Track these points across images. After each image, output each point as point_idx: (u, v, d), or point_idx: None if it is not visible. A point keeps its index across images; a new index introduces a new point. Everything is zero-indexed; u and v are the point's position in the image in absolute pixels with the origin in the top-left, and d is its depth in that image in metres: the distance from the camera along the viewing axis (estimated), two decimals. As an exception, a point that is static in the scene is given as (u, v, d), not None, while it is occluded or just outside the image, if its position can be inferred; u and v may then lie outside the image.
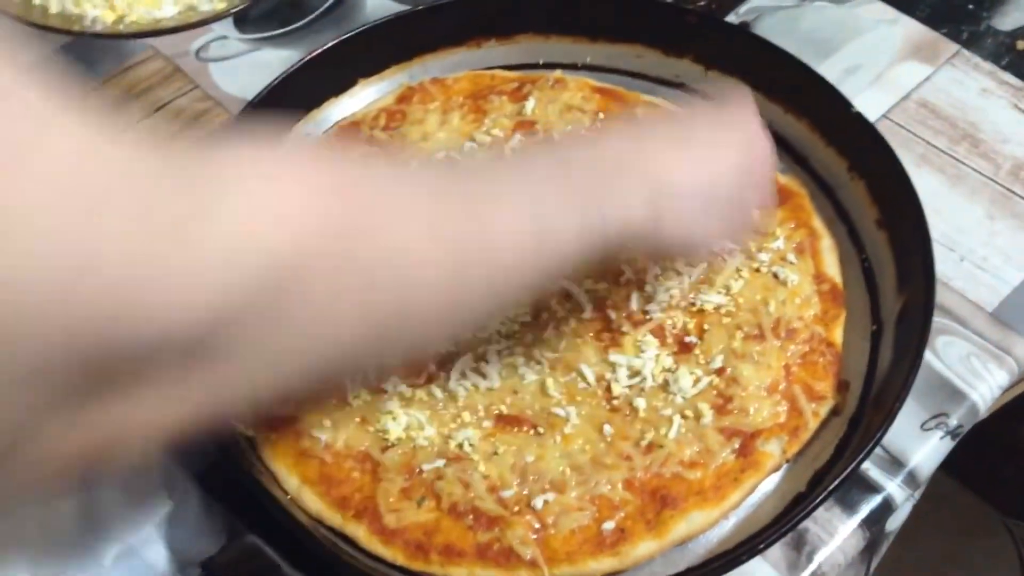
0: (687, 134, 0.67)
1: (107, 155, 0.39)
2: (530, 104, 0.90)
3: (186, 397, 0.44)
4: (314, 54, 0.88)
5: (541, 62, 0.95)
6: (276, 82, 0.86)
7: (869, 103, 0.95)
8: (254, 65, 1.00)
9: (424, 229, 0.50)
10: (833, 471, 0.70)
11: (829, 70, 0.97)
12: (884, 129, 0.93)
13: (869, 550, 0.76)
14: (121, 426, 0.42)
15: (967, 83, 0.98)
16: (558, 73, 0.93)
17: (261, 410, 0.68)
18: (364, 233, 0.47)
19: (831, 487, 0.66)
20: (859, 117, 0.82)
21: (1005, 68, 0.99)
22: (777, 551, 0.72)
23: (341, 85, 0.92)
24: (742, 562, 0.65)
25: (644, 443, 0.71)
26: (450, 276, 0.51)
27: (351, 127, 0.90)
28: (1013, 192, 0.90)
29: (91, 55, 1.01)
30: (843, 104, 0.84)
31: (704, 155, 0.65)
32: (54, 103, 0.39)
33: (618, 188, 0.59)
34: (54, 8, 0.93)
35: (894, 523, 0.78)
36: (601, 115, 0.90)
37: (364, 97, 0.93)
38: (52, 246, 0.35)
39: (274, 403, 0.59)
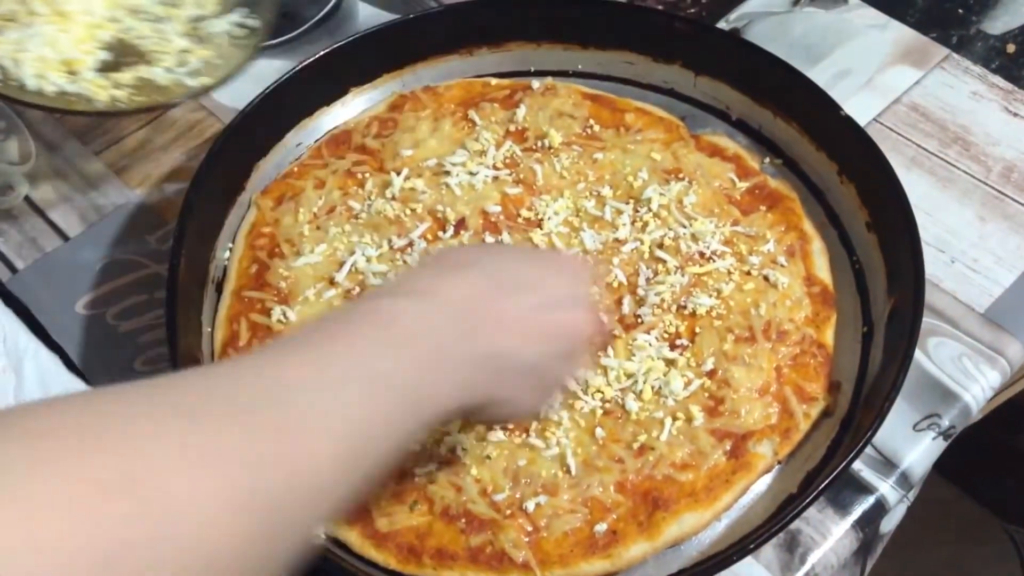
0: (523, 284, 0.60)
1: None
2: (521, 111, 0.90)
3: None
4: (305, 63, 0.89)
5: (532, 69, 0.96)
6: (268, 91, 0.87)
7: (860, 107, 0.96)
8: (248, 75, 0.99)
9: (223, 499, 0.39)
10: (825, 472, 0.70)
11: (820, 75, 0.98)
12: (875, 132, 0.94)
13: (863, 551, 0.76)
14: None
15: (957, 86, 0.99)
16: (549, 80, 0.93)
17: None
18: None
19: (821, 487, 0.66)
20: (848, 121, 0.83)
21: (995, 71, 0.99)
22: (770, 552, 0.72)
23: (333, 94, 0.92)
24: (734, 562, 0.65)
25: (636, 445, 0.71)
26: (259, 534, 0.41)
27: (343, 135, 0.90)
28: (1004, 194, 0.91)
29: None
30: (833, 108, 0.84)
31: (539, 323, 0.59)
32: None
33: (443, 373, 0.53)
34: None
35: (888, 524, 0.78)
36: (592, 121, 0.90)
37: (356, 106, 0.93)
38: None
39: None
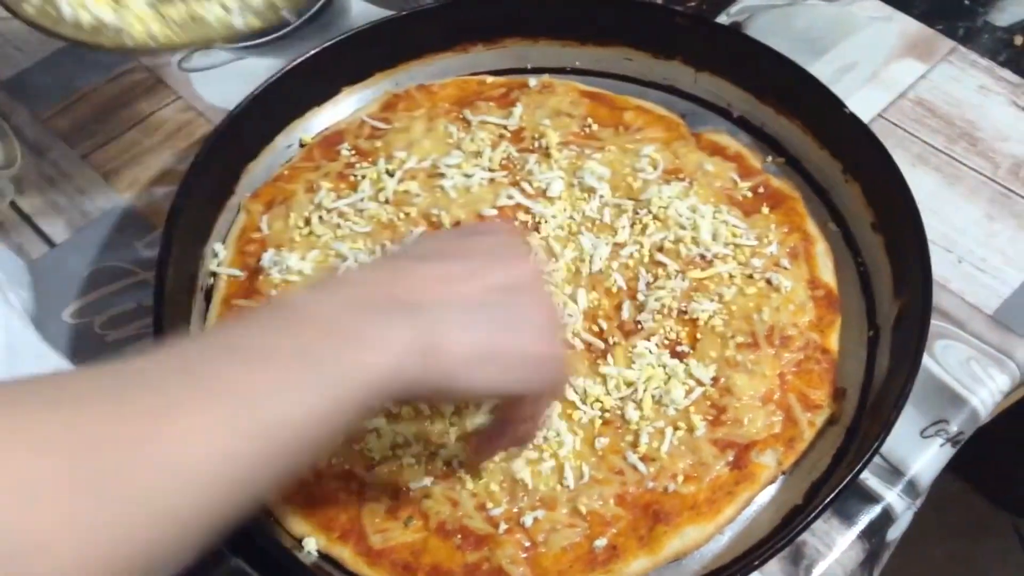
0: (454, 247, 0.58)
1: None
2: (517, 110, 0.88)
3: None
4: (297, 62, 0.86)
5: (529, 66, 0.94)
6: (258, 91, 0.85)
7: (864, 102, 0.94)
8: (238, 74, 0.98)
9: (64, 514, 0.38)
10: (830, 482, 0.68)
11: (823, 69, 0.96)
12: (880, 128, 0.92)
13: (869, 561, 0.74)
14: None
15: (964, 80, 0.96)
16: (546, 78, 0.91)
17: None
18: None
19: (827, 500, 0.65)
20: (853, 118, 0.81)
21: (1003, 64, 0.97)
22: (774, 565, 0.70)
23: (325, 93, 0.90)
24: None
25: (637, 456, 0.69)
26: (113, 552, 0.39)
27: (335, 136, 0.88)
28: (1012, 191, 0.88)
29: (73, 67, 0.99)
30: (836, 105, 0.82)
31: (469, 267, 0.55)
32: None
33: (362, 335, 0.49)
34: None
35: (895, 532, 0.76)
36: (590, 120, 0.88)
37: (348, 105, 0.91)
38: None
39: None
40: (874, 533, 0.72)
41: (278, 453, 0.46)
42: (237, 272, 0.79)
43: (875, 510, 0.72)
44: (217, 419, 0.43)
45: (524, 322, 0.56)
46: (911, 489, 0.74)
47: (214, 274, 0.80)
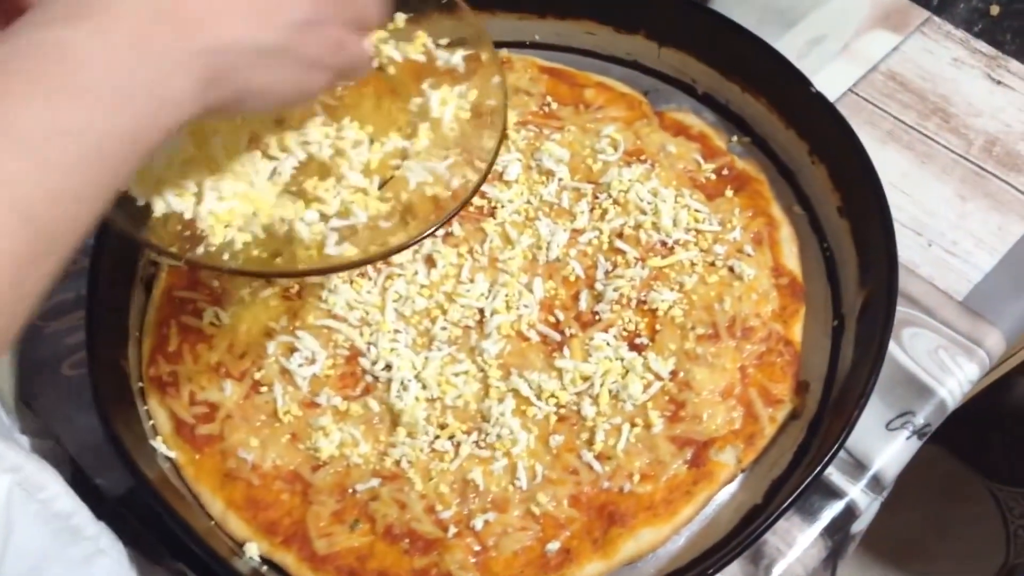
0: None
1: None
2: (473, 87, 0.84)
3: None
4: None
5: (487, 40, 0.89)
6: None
7: (835, 76, 0.91)
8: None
9: None
10: (792, 481, 0.66)
11: (793, 41, 0.92)
12: (850, 104, 0.89)
13: (832, 557, 0.73)
14: None
15: (938, 52, 0.93)
16: (504, 53, 0.87)
17: None
18: None
19: (787, 502, 0.62)
20: (819, 97, 0.77)
21: (978, 35, 0.94)
22: (734, 565, 0.68)
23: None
24: (693, 586, 0.61)
25: (592, 455, 0.67)
26: None
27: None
28: (985, 170, 0.86)
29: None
30: (802, 83, 0.78)
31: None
32: None
33: (147, 73, 0.44)
34: None
35: (860, 525, 0.75)
36: (549, 98, 0.84)
37: (297, 83, 0.87)
38: None
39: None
40: (837, 529, 0.70)
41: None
42: (178, 262, 0.76)
43: (838, 506, 0.71)
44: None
45: (313, 54, 0.51)
46: (876, 484, 0.72)
47: (155, 264, 0.77)
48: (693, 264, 0.75)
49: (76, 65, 0.43)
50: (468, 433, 0.69)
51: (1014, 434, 1.78)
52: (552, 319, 0.73)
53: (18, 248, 0.40)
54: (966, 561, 1.67)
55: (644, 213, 0.77)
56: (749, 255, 0.75)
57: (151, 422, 0.70)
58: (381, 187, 0.64)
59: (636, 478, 0.66)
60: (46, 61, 0.43)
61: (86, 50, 0.43)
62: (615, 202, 0.78)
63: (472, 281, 0.74)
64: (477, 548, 0.64)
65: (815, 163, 0.79)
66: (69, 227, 0.43)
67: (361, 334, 0.72)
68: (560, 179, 0.79)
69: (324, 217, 0.61)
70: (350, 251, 0.60)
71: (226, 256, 0.58)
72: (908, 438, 0.73)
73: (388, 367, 0.71)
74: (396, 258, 0.75)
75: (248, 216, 0.58)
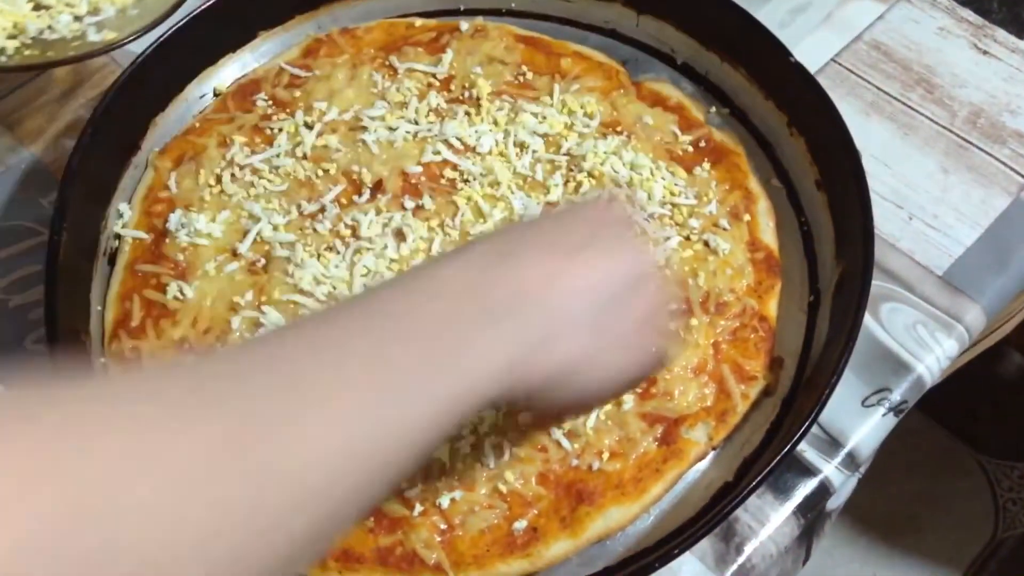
0: (560, 236, 0.53)
1: None
2: (447, 57, 0.83)
3: None
4: (207, 4, 0.80)
5: (462, 8, 0.88)
6: (166, 36, 0.78)
7: (817, 46, 0.89)
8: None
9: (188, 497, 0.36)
10: (763, 458, 0.65)
11: (775, 9, 0.91)
12: (832, 74, 0.87)
13: (807, 535, 0.72)
14: None
15: (923, 21, 0.91)
16: (479, 21, 0.86)
17: None
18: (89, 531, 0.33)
19: (758, 479, 0.61)
20: (798, 67, 0.76)
21: (964, 4, 0.92)
22: (704, 542, 0.67)
23: (240, 39, 0.84)
24: (656, 569, 0.60)
25: (561, 432, 0.66)
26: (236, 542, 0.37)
27: (251, 85, 0.82)
28: (969, 142, 0.84)
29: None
30: (782, 52, 0.77)
31: (591, 256, 0.51)
32: None
33: (477, 331, 0.47)
34: None
35: (836, 502, 0.74)
36: (524, 68, 0.83)
37: (266, 51, 0.85)
38: None
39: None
40: (810, 507, 0.69)
41: (387, 461, 0.43)
42: (143, 234, 0.75)
43: (812, 484, 0.69)
44: (335, 421, 0.41)
45: (627, 321, 0.53)
46: (850, 461, 0.71)
47: (119, 236, 0.75)
48: (667, 239, 0.73)
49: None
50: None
51: (1004, 406, 1.77)
52: (523, 294, 0.72)
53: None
54: (955, 534, 1.66)
55: (619, 186, 0.75)
56: (725, 229, 0.74)
57: (113, 398, 0.69)
58: None
59: (605, 456, 0.65)
60: None
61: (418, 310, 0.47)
62: (590, 175, 0.76)
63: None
64: (443, 526, 0.63)
65: (793, 135, 0.77)
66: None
67: (328, 309, 0.71)
68: (534, 151, 0.77)
69: (79, 18, 0.81)
70: (109, 35, 0.79)
71: (3, 59, 0.78)
72: (884, 415, 0.72)
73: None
74: (364, 232, 0.73)
75: (10, 28, 0.79)
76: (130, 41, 0.77)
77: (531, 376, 0.49)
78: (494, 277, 0.49)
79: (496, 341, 0.47)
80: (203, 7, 0.80)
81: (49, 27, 0.81)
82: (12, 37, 0.80)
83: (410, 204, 0.75)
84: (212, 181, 0.76)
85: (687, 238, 0.73)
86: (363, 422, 0.42)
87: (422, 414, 0.44)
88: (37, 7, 0.82)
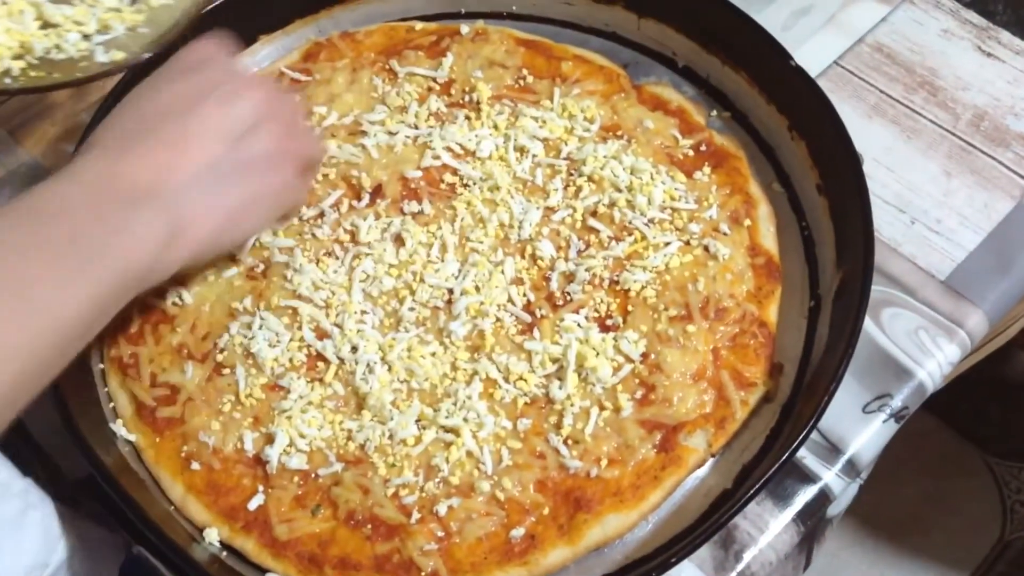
0: (157, 121, 0.61)
1: None
2: (448, 60, 0.82)
3: None
4: (209, 8, 0.80)
5: (463, 11, 0.87)
6: (166, 42, 0.78)
7: (820, 49, 0.88)
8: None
9: None
10: (762, 466, 0.65)
11: (779, 12, 0.90)
12: (836, 77, 0.87)
13: (807, 542, 0.71)
14: None
15: (927, 23, 0.91)
16: (480, 24, 0.85)
17: None
18: None
19: (756, 487, 0.61)
20: (799, 71, 0.75)
21: (968, 6, 0.91)
22: (703, 550, 0.66)
23: (240, 42, 0.84)
24: (659, 571, 0.60)
25: (560, 439, 0.66)
26: None
27: (251, 90, 0.82)
28: (972, 145, 0.83)
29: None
30: (783, 56, 0.76)
31: (196, 124, 0.61)
32: None
33: (117, 230, 0.56)
34: None
35: (836, 509, 0.73)
36: (525, 71, 0.82)
37: (266, 55, 0.85)
38: None
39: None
40: (811, 514, 0.69)
41: (51, 344, 0.53)
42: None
43: (812, 491, 0.69)
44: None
45: (263, 164, 0.63)
46: (851, 468, 0.70)
47: (118, 242, 0.75)
48: (668, 244, 0.73)
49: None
50: (435, 410, 0.67)
51: (1012, 408, 1.77)
52: (523, 299, 0.72)
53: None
54: (962, 535, 1.66)
55: (619, 191, 0.75)
56: (725, 234, 0.73)
57: (112, 404, 0.69)
58: (134, 2, 0.80)
59: (604, 463, 0.65)
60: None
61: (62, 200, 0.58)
62: (590, 179, 0.76)
63: (442, 260, 0.73)
64: (440, 534, 0.63)
65: (795, 139, 0.76)
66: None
67: (327, 315, 0.71)
68: (534, 155, 0.77)
69: (87, 37, 0.78)
70: (118, 55, 0.75)
71: (8, 80, 0.73)
72: (885, 421, 0.71)
73: (355, 349, 0.69)
74: (363, 237, 0.73)
75: (16, 48, 0.75)
76: (137, 63, 0.75)
77: (180, 251, 0.60)
78: (123, 168, 0.58)
79: (138, 225, 0.56)
80: (204, 11, 0.80)
81: (56, 46, 0.77)
82: (18, 57, 0.75)
83: (409, 209, 0.75)
84: (211, 186, 0.76)
85: (687, 243, 0.73)
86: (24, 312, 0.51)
87: (87, 296, 0.54)
88: (45, 25, 0.78)
